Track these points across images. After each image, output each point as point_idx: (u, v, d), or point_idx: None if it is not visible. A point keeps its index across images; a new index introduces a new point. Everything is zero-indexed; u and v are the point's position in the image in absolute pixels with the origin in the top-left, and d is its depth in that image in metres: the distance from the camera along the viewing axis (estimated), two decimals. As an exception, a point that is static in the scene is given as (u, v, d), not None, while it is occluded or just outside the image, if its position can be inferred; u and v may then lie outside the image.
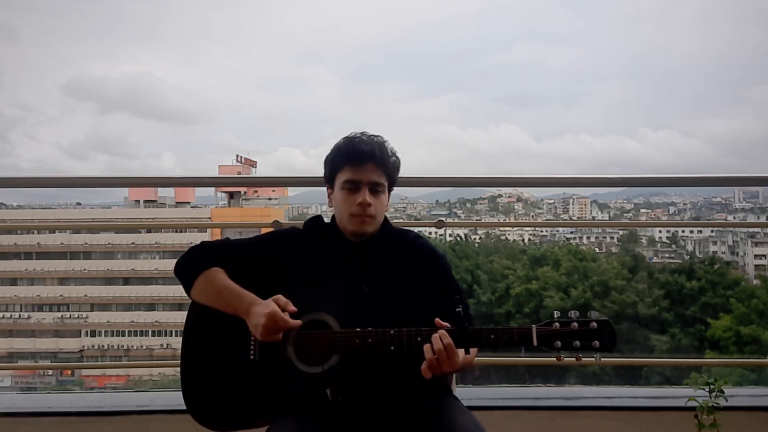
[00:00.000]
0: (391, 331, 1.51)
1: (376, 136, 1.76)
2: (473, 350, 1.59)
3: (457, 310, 1.50)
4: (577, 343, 1.47)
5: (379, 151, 1.71)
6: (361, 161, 1.69)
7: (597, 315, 1.49)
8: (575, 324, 1.47)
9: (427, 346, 1.49)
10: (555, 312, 1.50)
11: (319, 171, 1.83)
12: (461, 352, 1.54)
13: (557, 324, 1.48)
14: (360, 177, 1.69)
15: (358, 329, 1.54)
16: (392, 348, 1.51)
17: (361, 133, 1.76)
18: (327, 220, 1.81)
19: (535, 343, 1.47)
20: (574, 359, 1.47)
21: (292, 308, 1.57)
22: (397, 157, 1.77)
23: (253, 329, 1.57)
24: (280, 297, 1.58)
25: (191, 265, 1.69)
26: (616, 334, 1.48)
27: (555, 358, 1.47)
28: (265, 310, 1.54)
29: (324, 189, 1.83)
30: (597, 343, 1.47)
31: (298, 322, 1.57)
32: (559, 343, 1.47)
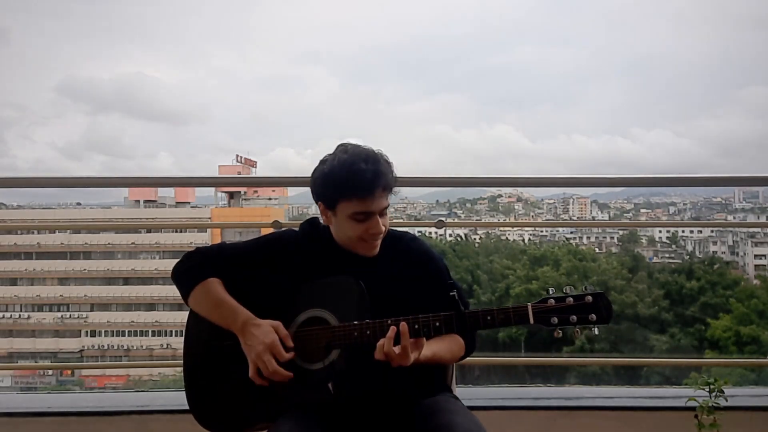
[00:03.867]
0: (389, 321, 1.50)
1: (371, 152, 1.61)
2: (441, 346, 1.60)
3: (452, 294, 1.50)
4: (574, 317, 1.45)
5: (383, 173, 1.58)
6: (370, 192, 1.57)
7: (592, 288, 1.48)
8: (570, 299, 1.46)
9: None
10: (549, 288, 1.49)
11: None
12: (441, 344, 1.58)
13: (552, 300, 1.47)
14: (371, 208, 1.59)
15: (356, 322, 1.54)
16: None
17: (353, 147, 1.62)
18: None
19: (531, 320, 1.46)
20: (572, 333, 1.46)
21: (290, 343, 1.56)
22: (390, 162, 1.65)
23: (248, 350, 1.56)
24: (280, 326, 1.57)
25: (188, 274, 1.69)
26: (612, 306, 1.47)
27: (553, 334, 1.46)
28: (266, 339, 1.53)
29: None
30: (594, 316, 1.45)
31: (287, 366, 1.54)
32: (555, 320, 1.46)
